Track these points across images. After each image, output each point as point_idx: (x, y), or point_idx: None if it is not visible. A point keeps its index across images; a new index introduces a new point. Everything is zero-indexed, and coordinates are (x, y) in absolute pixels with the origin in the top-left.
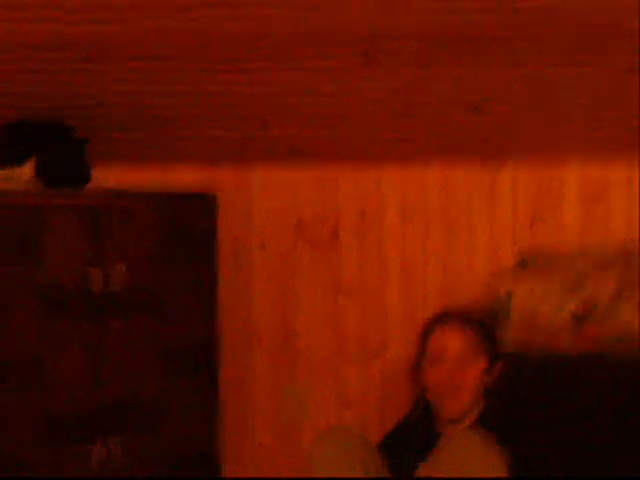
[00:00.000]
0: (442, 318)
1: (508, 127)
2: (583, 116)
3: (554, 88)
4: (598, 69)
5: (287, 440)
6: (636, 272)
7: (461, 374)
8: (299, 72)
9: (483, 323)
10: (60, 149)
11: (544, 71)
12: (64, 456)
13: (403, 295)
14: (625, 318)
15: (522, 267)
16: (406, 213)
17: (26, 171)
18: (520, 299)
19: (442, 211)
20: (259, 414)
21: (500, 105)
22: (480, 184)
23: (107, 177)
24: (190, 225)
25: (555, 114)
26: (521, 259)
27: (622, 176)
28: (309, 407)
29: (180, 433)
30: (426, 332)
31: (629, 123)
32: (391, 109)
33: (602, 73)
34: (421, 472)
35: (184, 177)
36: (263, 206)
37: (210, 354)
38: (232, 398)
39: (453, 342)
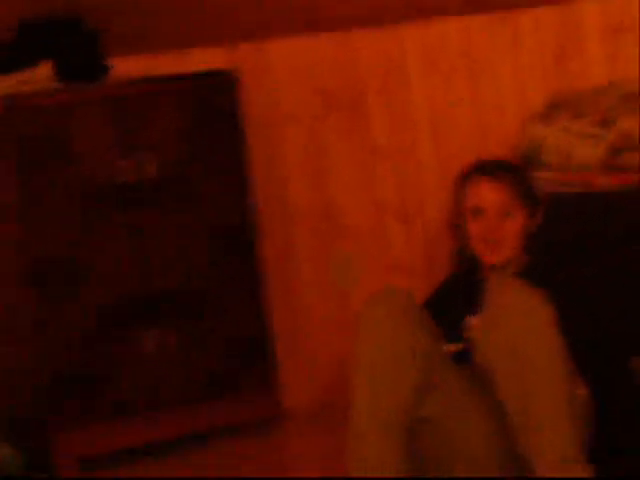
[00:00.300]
0: (477, 169)
1: None
2: None
3: None
4: None
5: (336, 308)
6: None
7: (503, 224)
8: None
9: (519, 170)
10: (74, 44)
11: None
12: (118, 346)
13: (435, 150)
14: None
15: (552, 108)
16: (430, 66)
17: (44, 71)
18: (554, 140)
19: (466, 60)
20: (306, 286)
21: None
22: (501, 28)
23: (126, 67)
24: (214, 105)
25: None
26: (550, 100)
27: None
28: (355, 274)
29: (231, 314)
30: (463, 185)
31: None
32: None
33: None
34: (473, 321)
35: (203, 59)
36: (287, 78)
37: (250, 233)
38: (277, 275)
39: (492, 193)
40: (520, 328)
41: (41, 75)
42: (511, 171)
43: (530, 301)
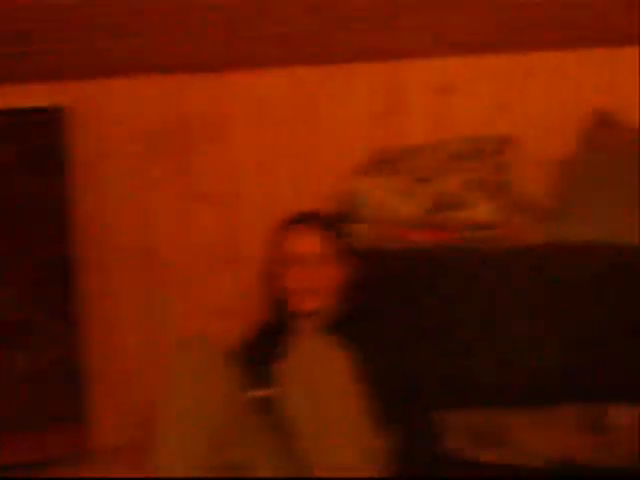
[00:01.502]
0: (294, 219)
1: (346, 28)
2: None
3: None
4: None
5: (154, 349)
6: (489, 163)
7: (318, 272)
8: None
9: (335, 221)
10: None
11: None
12: None
13: (258, 199)
14: (479, 208)
15: (375, 163)
16: (258, 116)
17: None
18: (373, 194)
19: (293, 111)
20: (126, 326)
21: (336, 6)
22: (330, 81)
23: None
24: (38, 141)
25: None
26: (373, 155)
27: (469, 70)
28: (176, 316)
29: (43, 349)
30: (278, 234)
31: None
32: (234, 15)
33: None
34: (276, 370)
35: (30, 93)
36: (114, 118)
37: (66, 269)
38: (97, 312)
39: (308, 241)
40: (317, 375)
41: None
42: (327, 222)
43: (328, 349)
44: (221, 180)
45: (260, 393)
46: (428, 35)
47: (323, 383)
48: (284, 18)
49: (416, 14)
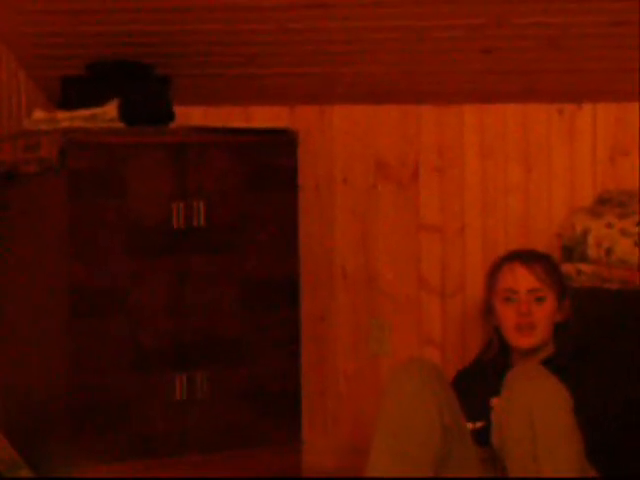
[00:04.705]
0: (510, 255)
1: (586, 62)
2: None
3: (629, 20)
4: None
5: (366, 373)
6: None
7: (535, 308)
8: (380, 8)
9: (550, 260)
10: (143, 88)
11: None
12: (149, 387)
13: (483, 232)
14: None
15: (601, 203)
16: (486, 150)
17: (110, 110)
18: (598, 234)
19: (521, 148)
20: (340, 348)
21: (577, 39)
22: (559, 120)
23: (190, 116)
24: (271, 161)
25: (631, 49)
26: (600, 195)
27: None
28: (389, 341)
29: (263, 367)
30: (494, 271)
31: None
32: (470, 46)
33: None
34: (492, 405)
35: (266, 115)
36: (344, 144)
37: (292, 289)
38: (314, 333)
39: (523, 279)
40: (536, 413)
41: (106, 114)
42: (543, 258)
43: (548, 387)
44: (447, 211)
45: (474, 425)
46: None
47: (542, 421)
48: (521, 55)
49: None
